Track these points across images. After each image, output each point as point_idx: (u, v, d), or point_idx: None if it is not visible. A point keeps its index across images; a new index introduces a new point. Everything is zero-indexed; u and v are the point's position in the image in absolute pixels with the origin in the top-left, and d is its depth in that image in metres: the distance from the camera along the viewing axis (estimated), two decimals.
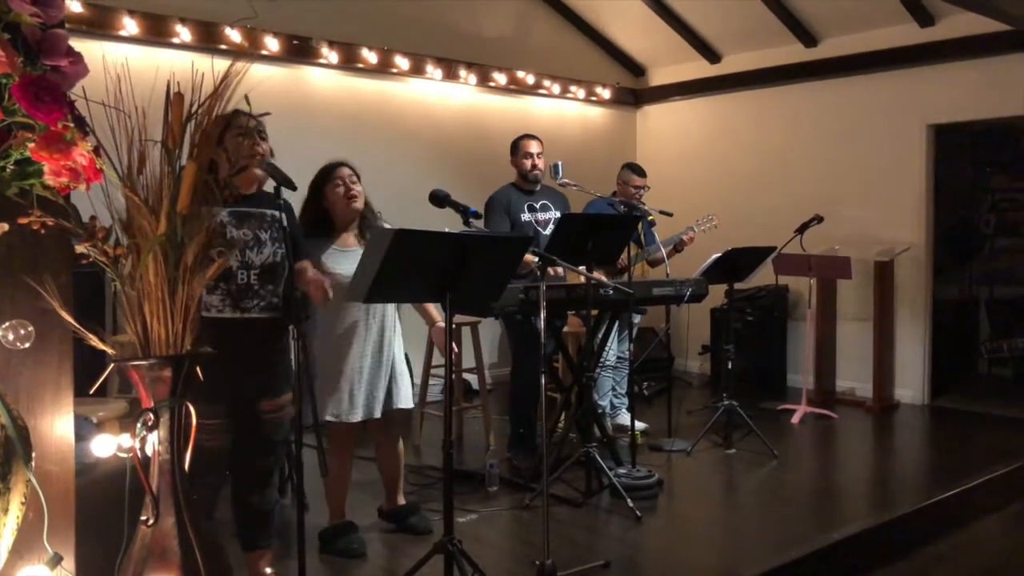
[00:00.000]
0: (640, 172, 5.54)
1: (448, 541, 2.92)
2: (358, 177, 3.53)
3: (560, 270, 4.51)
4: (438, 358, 5.09)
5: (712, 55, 7.73)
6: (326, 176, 3.48)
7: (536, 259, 4.45)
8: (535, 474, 4.37)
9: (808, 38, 7.02)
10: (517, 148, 4.96)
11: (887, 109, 6.65)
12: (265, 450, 3.02)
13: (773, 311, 7.02)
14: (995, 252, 8.30)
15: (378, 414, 3.56)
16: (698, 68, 7.83)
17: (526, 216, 4.88)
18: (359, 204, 3.48)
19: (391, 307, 3.62)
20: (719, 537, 3.98)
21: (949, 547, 4.03)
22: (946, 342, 6.95)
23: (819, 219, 6.27)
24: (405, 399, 3.66)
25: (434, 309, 3.81)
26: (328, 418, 3.45)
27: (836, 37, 6.91)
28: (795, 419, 5.98)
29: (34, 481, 1.76)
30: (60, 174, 1.69)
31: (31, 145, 1.67)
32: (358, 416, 3.49)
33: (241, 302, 2.87)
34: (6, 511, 1.69)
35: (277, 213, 2.89)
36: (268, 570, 3.10)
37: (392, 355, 3.61)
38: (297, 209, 3.39)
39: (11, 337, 1.70)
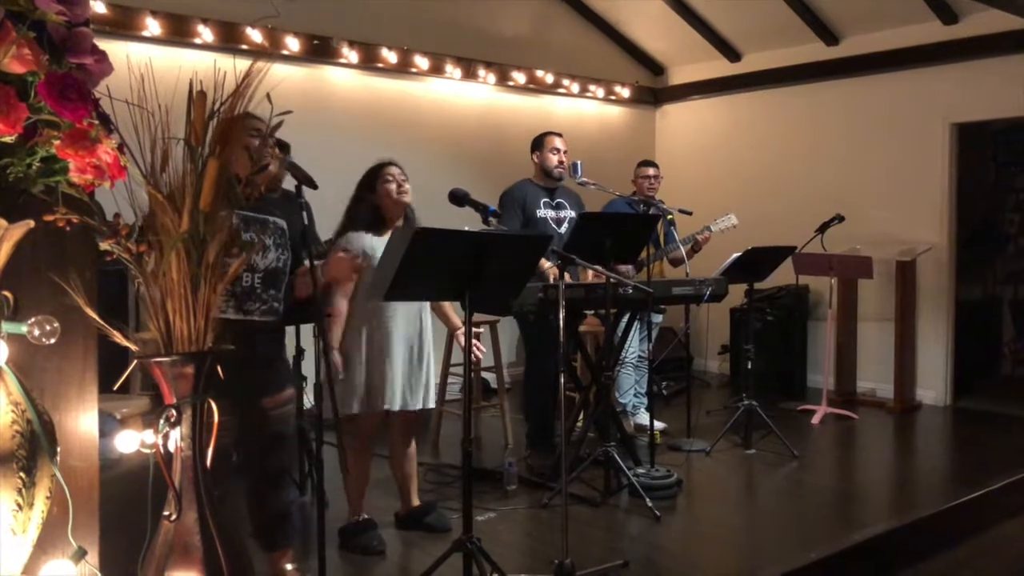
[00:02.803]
0: (648, 163, 5.63)
1: (467, 539, 2.92)
2: (405, 175, 3.66)
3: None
4: (456, 357, 5.09)
5: (732, 54, 7.69)
6: (377, 173, 3.62)
7: (548, 263, 4.47)
8: (553, 473, 4.37)
9: (829, 36, 6.98)
10: (542, 143, 4.95)
11: (909, 108, 6.59)
12: (275, 447, 3.05)
13: (793, 311, 6.98)
14: (1019, 251, 8.21)
15: (415, 406, 3.63)
16: (718, 67, 7.80)
17: (542, 212, 4.87)
18: (408, 198, 3.61)
19: (425, 304, 3.69)
20: (738, 538, 3.96)
21: (971, 550, 3.99)
22: (969, 343, 6.88)
23: (840, 218, 6.23)
24: (432, 399, 3.74)
25: (453, 313, 3.82)
26: (355, 411, 3.50)
27: (858, 35, 6.86)
28: (815, 420, 5.94)
29: (59, 476, 1.77)
30: (85, 171, 1.71)
31: (56, 143, 1.69)
32: (396, 405, 3.55)
33: (244, 304, 2.90)
34: (31, 505, 1.70)
35: (280, 220, 2.95)
36: (289, 567, 3.11)
37: (427, 352, 3.68)
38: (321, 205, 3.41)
39: (37, 333, 1.72)
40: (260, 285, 2.93)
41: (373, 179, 3.61)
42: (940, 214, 6.48)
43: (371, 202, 3.59)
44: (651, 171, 5.57)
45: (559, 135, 4.97)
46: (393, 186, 3.57)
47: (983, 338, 7.71)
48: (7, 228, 1.69)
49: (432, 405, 3.77)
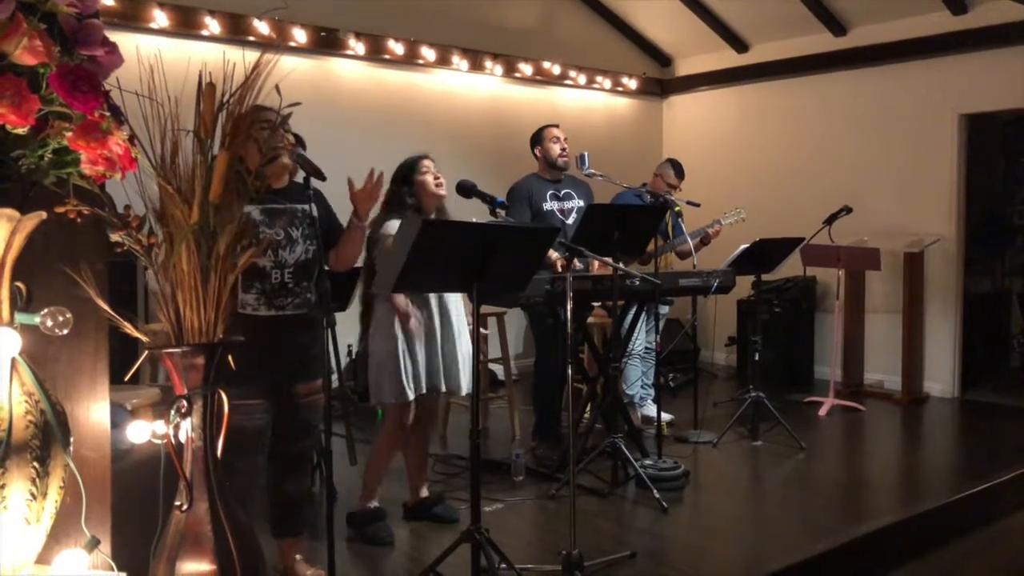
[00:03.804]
0: (680, 172, 5.58)
1: (475, 530, 2.93)
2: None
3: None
4: None
5: (740, 45, 7.66)
6: (414, 166, 3.65)
7: (555, 254, 4.47)
8: (560, 464, 4.38)
9: (837, 27, 6.94)
10: (541, 136, 4.96)
11: (918, 99, 6.56)
12: (302, 434, 3.07)
13: (801, 303, 6.97)
14: None
15: (443, 388, 3.64)
16: (725, 58, 7.77)
17: (548, 205, 4.87)
18: (444, 191, 3.64)
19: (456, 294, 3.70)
20: (745, 529, 3.96)
21: (978, 542, 4.00)
22: (977, 335, 6.86)
23: (848, 210, 6.20)
24: (466, 383, 3.71)
25: None
26: (390, 400, 3.53)
27: (866, 26, 6.83)
28: (822, 411, 5.94)
29: (72, 466, 1.78)
30: (97, 163, 1.71)
31: (68, 134, 1.69)
32: (449, 387, 3.63)
33: (276, 300, 2.92)
34: (45, 495, 1.72)
35: (308, 207, 2.92)
36: (298, 557, 3.13)
37: (465, 333, 3.68)
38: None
39: (49, 324, 1.73)
40: (291, 279, 2.94)
41: (409, 172, 3.63)
42: (948, 205, 6.46)
43: (407, 195, 3.61)
44: (674, 180, 5.52)
45: (556, 125, 4.98)
46: (430, 178, 3.62)
47: (991, 330, 7.67)
48: (20, 219, 1.70)
49: (466, 391, 3.73)
